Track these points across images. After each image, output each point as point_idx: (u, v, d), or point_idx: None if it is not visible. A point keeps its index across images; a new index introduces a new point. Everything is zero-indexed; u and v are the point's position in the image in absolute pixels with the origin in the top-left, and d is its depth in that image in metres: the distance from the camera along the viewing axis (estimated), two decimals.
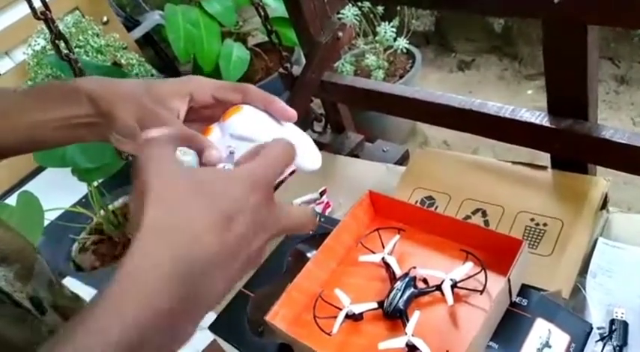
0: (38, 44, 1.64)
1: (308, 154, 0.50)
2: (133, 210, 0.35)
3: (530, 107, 0.86)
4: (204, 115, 0.52)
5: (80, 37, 1.63)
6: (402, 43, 1.85)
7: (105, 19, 1.98)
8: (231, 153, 0.47)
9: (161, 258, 0.32)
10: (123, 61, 1.65)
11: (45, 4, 0.90)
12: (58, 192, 1.66)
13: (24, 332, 0.50)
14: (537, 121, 0.82)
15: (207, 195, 0.35)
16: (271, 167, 0.39)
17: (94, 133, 0.51)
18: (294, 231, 0.42)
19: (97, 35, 1.66)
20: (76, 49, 1.61)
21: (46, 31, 0.98)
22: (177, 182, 0.35)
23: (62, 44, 0.99)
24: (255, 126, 0.49)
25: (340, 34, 1.08)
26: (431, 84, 2.33)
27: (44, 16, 0.90)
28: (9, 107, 0.52)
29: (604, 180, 0.84)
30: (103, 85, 0.49)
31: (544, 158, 0.93)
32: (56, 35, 0.93)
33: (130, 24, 2.42)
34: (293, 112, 0.50)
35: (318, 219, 0.44)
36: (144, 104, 0.47)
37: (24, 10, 0.93)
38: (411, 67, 1.98)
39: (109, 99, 0.48)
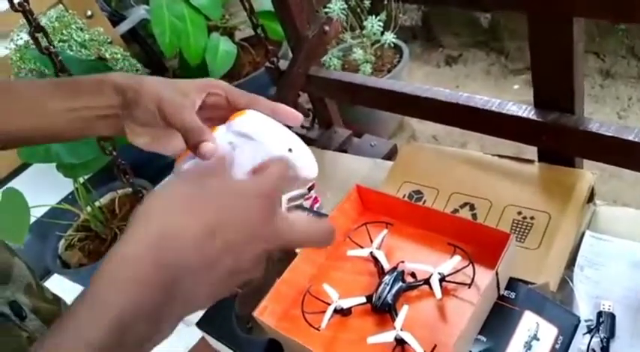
0: (21, 38, 1.61)
1: (307, 163, 0.50)
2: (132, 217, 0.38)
3: (516, 102, 0.86)
4: (215, 116, 0.53)
5: (64, 31, 1.60)
6: (390, 37, 1.85)
7: (89, 13, 1.95)
8: (233, 148, 0.49)
9: (142, 261, 0.34)
10: (107, 56, 1.63)
11: None
12: (44, 189, 1.64)
13: (4, 339, 0.49)
14: (524, 115, 0.82)
15: (198, 205, 0.37)
16: (268, 182, 0.41)
17: (110, 126, 0.52)
18: (306, 245, 0.42)
19: (81, 29, 1.64)
20: (60, 44, 1.58)
21: None
22: (172, 192, 0.38)
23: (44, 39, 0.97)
24: (257, 126, 0.50)
25: (326, 28, 1.08)
26: (418, 78, 2.33)
27: (22, 9, 0.88)
28: (30, 96, 0.53)
29: (590, 173, 0.84)
30: (130, 77, 0.51)
31: (532, 152, 0.93)
32: (35, 28, 0.91)
33: (116, 18, 2.39)
34: (298, 115, 0.53)
35: (333, 233, 0.44)
36: (165, 92, 0.49)
37: (5, 3, 0.91)
38: (399, 62, 1.98)
39: (136, 88, 0.50)
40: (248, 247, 0.38)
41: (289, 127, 0.52)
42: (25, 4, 0.88)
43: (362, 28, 1.89)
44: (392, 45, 1.91)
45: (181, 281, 0.35)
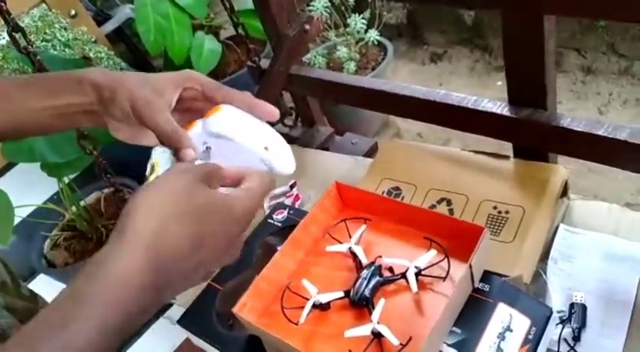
0: (3, 38, 1.61)
1: (284, 158, 0.51)
2: (121, 215, 0.39)
3: (500, 98, 0.88)
4: (193, 107, 0.54)
5: (47, 31, 1.61)
6: (373, 34, 1.86)
7: (73, 12, 1.95)
8: (207, 148, 0.50)
9: (139, 261, 0.36)
10: (91, 55, 1.63)
11: None
12: (29, 189, 1.64)
13: None
14: (498, 111, 0.83)
15: (190, 217, 0.40)
16: (255, 203, 0.45)
17: (92, 120, 0.53)
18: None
19: (65, 29, 1.64)
20: (44, 43, 1.59)
21: None
22: (170, 197, 0.40)
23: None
24: (232, 125, 0.51)
25: (307, 27, 1.09)
26: (403, 76, 2.35)
27: None
28: (9, 92, 0.53)
29: (564, 168, 0.86)
30: (108, 74, 0.52)
31: (511, 148, 0.94)
32: (13, 27, 0.92)
33: (101, 18, 2.39)
34: (275, 110, 0.54)
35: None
36: (140, 92, 0.50)
37: None
38: (383, 60, 1.99)
39: (113, 87, 0.50)
40: (218, 261, 0.43)
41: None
42: (2, 4, 0.88)
43: (346, 26, 1.90)
44: (376, 43, 1.92)
45: (171, 284, 0.38)
